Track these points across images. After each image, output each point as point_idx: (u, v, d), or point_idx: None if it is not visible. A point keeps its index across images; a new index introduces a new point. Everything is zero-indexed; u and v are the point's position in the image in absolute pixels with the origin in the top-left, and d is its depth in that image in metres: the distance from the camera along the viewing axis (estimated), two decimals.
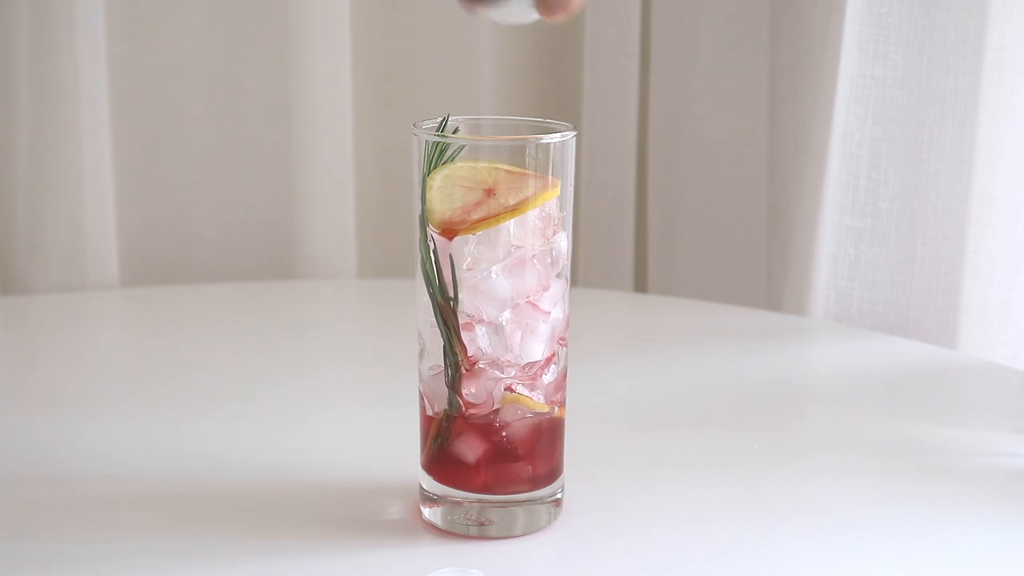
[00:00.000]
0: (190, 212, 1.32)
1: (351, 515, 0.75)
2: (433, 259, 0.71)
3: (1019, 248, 1.11)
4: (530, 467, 0.73)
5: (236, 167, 1.32)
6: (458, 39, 1.35)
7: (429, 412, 0.74)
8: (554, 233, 0.71)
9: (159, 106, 1.29)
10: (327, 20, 1.28)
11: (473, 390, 0.71)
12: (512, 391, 0.71)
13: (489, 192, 0.69)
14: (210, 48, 1.29)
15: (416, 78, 1.36)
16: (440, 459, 0.74)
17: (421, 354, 0.74)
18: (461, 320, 0.71)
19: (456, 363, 0.71)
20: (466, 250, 0.70)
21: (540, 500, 0.74)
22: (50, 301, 1.22)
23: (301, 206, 1.32)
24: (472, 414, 0.72)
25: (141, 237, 1.31)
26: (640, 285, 1.43)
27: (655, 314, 1.23)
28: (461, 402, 0.72)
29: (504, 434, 0.72)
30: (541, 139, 0.70)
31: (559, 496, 0.76)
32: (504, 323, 0.70)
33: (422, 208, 0.71)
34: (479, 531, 0.73)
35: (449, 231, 0.70)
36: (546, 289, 0.71)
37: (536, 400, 0.72)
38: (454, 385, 0.72)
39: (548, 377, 0.72)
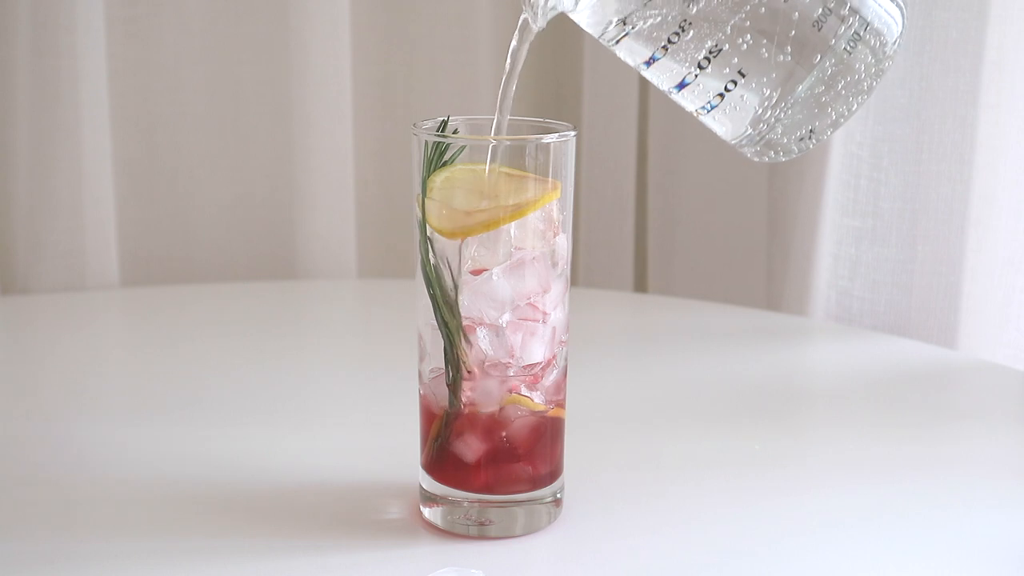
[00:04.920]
0: (190, 212, 1.32)
1: (351, 515, 0.75)
2: (433, 261, 0.71)
3: (1019, 248, 1.11)
4: (530, 467, 0.73)
5: (236, 167, 1.32)
6: (458, 39, 1.35)
7: (429, 412, 0.74)
8: (555, 235, 0.71)
9: (159, 106, 1.29)
10: (327, 20, 1.28)
11: (473, 391, 0.71)
12: (512, 392, 0.71)
13: (490, 195, 0.69)
14: (210, 48, 1.29)
15: (416, 78, 1.36)
16: (440, 459, 0.74)
17: (421, 355, 0.74)
18: (461, 322, 0.71)
19: (456, 364, 0.71)
20: (466, 252, 0.70)
21: (540, 500, 0.74)
22: (50, 301, 1.22)
23: (301, 206, 1.32)
24: (472, 415, 0.72)
25: (141, 237, 1.31)
26: (640, 285, 1.43)
27: (655, 314, 1.23)
28: (461, 403, 0.72)
29: (504, 434, 0.72)
30: (541, 139, 0.70)
31: (559, 496, 0.76)
32: (505, 325, 0.70)
33: (422, 210, 0.71)
34: (479, 531, 0.73)
35: (449, 234, 0.70)
36: (547, 291, 0.71)
37: (536, 400, 0.72)
38: (454, 386, 0.72)
39: (548, 378, 0.72)
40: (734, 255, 1.38)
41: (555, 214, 0.71)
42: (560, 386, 0.74)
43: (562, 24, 1.39)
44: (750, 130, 0.67)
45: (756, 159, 0.69)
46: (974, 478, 0.84)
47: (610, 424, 0.91)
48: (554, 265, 0.72)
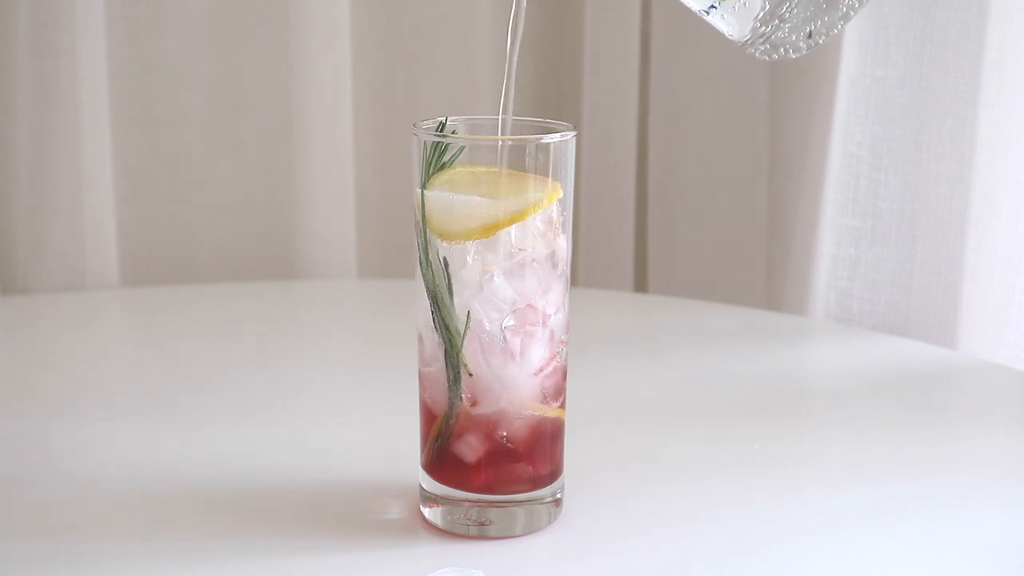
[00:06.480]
0: (190, 212, 1.32)
1: (351, 515, 0.75)
2: (433, 263, 0.71)
3: (1019, 248, 1.11)
4: (530, 467, 0.73)
5: (236, 167, 1.32)
6: (458, 39, 1.35)
7: (429, 412, 0.74)
8: (555, 236, 0.71)
9: (159, 106, 1.29)
10: (327, 20, 1.28)
11: (473, 392, 0.71)
12: (512, 392, 0.71)
13: (490, 197, 0.69)
14: (210, 48, 1.29)
15: (416, 78, 1.36)
16: (440, 459, 0.74)
17: (421, 355, 0.74)
18: (461, 324, 0.71)
19: (456, 365, 0.71)
20: (466, 254, 0.70)
21: (540, 500, 0.74)
22: (50, 301, 1.22)
23: (301, 206, 1.32)
24: (472, 415, 0.72)
25: (141, 237, 1.31)
26: (640, 285, 1.43)
27: (655, 314, 1.23)
28: (461, 403, 0.72)
29: (504, 434, 0.72)
30: (541, 139, 0.70)
31: (559, 496, 0.76)
32: (505, 326, 0.70)
33: (421, 212, 0.71)
34: (479, 531, 0.73)
35: (449, 236, 0.70)
36: (547, 292, 0.71)
37: (536, 401, 0.72)
38: (454, 387, 0.72)
39: (548, 378, 0.72)
40: (734, 255, 1.38)
41: (555, 215, 0.71)
42: (560, 386, 0.74)
43: (562, 24, 1.39)
44: (757, 29, 0.67)
45: (765, 58, 0.68)
46: (974, 478, 0.84)
47: (610, 424, 0.91)
48: (554, 266, 0.72)
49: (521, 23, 0.72)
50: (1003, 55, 1.09)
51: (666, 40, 1.36)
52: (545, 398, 0.73)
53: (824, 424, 0.97)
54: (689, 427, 0.91)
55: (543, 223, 0.71)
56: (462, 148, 0.70)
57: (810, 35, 0.67)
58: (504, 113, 0.72)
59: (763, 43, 0.67)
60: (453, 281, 0.70)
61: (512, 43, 0.72)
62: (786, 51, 0.68)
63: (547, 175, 0.71)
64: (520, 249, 0.70)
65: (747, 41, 0.68)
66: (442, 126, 0.71)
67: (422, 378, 0.74)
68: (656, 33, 1.37)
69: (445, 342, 0.71)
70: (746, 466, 0.85)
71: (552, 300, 0.72)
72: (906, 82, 1.14)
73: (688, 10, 0.69)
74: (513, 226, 0.70)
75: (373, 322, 1.21)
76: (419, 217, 0.71)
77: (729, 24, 0.68)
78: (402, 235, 1.36)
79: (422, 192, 0.70)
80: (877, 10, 1.14)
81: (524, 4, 0.71)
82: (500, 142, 0.70)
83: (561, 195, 0.71)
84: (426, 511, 0.75)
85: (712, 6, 0.68)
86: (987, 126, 1.11)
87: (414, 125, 0.71)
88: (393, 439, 0.84)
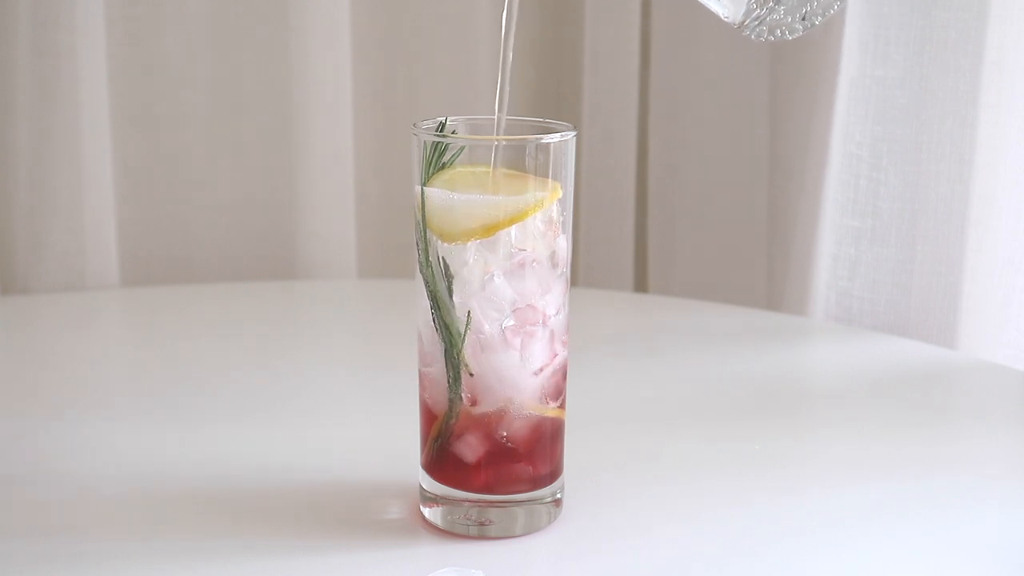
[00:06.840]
0: (190, 212, 1.32)
1: (351, 515, 0.75)
2: (433, 264, 0.71)
3: (1019, 248, 1.11)
4: (530, 467, 0.73)
5: (236, 167, 1.32)
6: (458, 39, 1.35)
7: (429, 412, 0.74)
8: (555, 236, 0.71)
9: (159, 106, 1.29)
10: (327, 20, 1.28)
11: (473, 392, 0.71)
12: (513, 392, 0.71)
13: (490, 197, 0.69)
14: (210, 48, 1.29)
15: (416, 78, 1.36)
16: (440, 459, 0.74)
17: (421, 355, 0.74)
18: (461, 324, 0.71)
19: (456, 365, 0.71)
20: (467, 255, 0.70)
21: (540, 500, 0.74)
22: (50, 301, 1.22)
23: (301, 206, 1.32)
24: (472, 415, 0.72)
25: (141, 237, 1.31)
26: (640, 285, 1.43)
27: (655, 314, 1.23)
28: (461, 403, 0.72)
29: (504, 434, 0.72)
30: (541, 139, 0.70)
31: (559, 496, 0.76)
32: (505, 326, 0.70)
33: (422, 213, 0.71)
34: (479, 531, 0.73)
35: (449, 236, 0.70)
36: (547, 292, 0.71)
37: (536, 401, 0.72)
38: (454, 387, 0.72)
39: (549, 378, 0.72)
40: (734, 255, 1.38)
41: (555, 215, 0.71)
42: (560, 386, 0.74)
43: (562, 24, 1.39)
44: (752, 11, 0.67)
45: (762, 40, 0.68)
46: (974, 478, 0.84)
47: (610, 424, 0.91)
48: (554, 266, 0.72)
49: (514, 21, 0.72)
50: (1003, 55, 1.09)
51: (666, 40, 1.36)
52: (545, 398, 0.73)
53: (824, 424, 0.97)
54: (689, 427, 0.91)
55: (543, 223, 0.71)
56: (462, 148, 0.70)
57: (804, 17, 0.67)
58: (499, 111, 0.72)
59: (759, 25, 0.67)
60: (453, 281, 0.70)
61: (505, 42, 0.72)
62: (782, 33, 0.68)
63: (547, 175, 0.71)
64: (520, 249, 0.70)
65: (743, 23, 0.68)
66: (442, 126, 0.71)
67: (422, 378, 0.74)
68: (656, 33, 1.37)
69: (445, 342, 0.71)
70: (746, 466, 0.85)
71: (552, 300, 0.72)
72: (906, 82, 1.14)
73: (687, 2, 0.69)
74: (513, 226, 0.70)
75: (373, 322, 1.21)
76: (419, 217, 0.71)
77: (725, 7, 0.68)
78: (402, 235, 1.36)
79: (422, 192, 0.70)
80: (877, 10, 1.14)
81: (516, 3, 0.71)
82: (495, 142, 0.70)
83: (561, 195, 0.71)
84: (426, 511, 0.75)
85: None
86: (987, 126, 1.11)
87: (414, 125, 0.71)
88: (393, 439, 0.84)
